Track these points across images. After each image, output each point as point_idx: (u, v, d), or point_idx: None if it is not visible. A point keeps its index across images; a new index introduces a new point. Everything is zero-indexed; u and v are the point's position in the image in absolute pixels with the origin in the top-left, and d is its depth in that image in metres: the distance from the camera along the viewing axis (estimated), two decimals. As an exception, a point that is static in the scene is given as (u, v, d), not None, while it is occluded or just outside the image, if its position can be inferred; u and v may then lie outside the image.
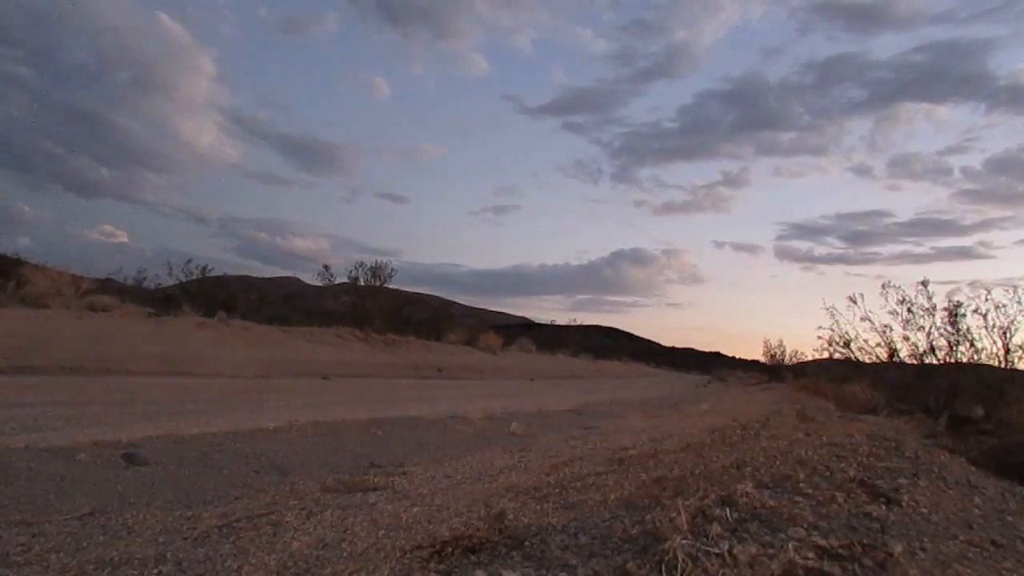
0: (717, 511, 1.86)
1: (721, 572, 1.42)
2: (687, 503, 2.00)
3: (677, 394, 17.91)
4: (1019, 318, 7.69)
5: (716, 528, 1.68)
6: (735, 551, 1.49)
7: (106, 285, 16.40)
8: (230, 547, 2.23)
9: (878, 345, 8.97)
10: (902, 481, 2.46)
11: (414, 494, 3.17)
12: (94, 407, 5.88)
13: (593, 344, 41.91)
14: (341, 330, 18.04)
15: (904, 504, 2.08)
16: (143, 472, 3.70)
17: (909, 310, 8.36)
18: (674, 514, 1.83)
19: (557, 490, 2.81)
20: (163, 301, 16.08)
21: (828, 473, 2.49)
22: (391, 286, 23.12)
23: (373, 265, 22.41)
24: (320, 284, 22.97)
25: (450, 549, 1.75)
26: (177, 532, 2.47)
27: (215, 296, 17.78)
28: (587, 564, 1.58)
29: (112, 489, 3.32)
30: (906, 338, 8.51)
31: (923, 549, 1.70)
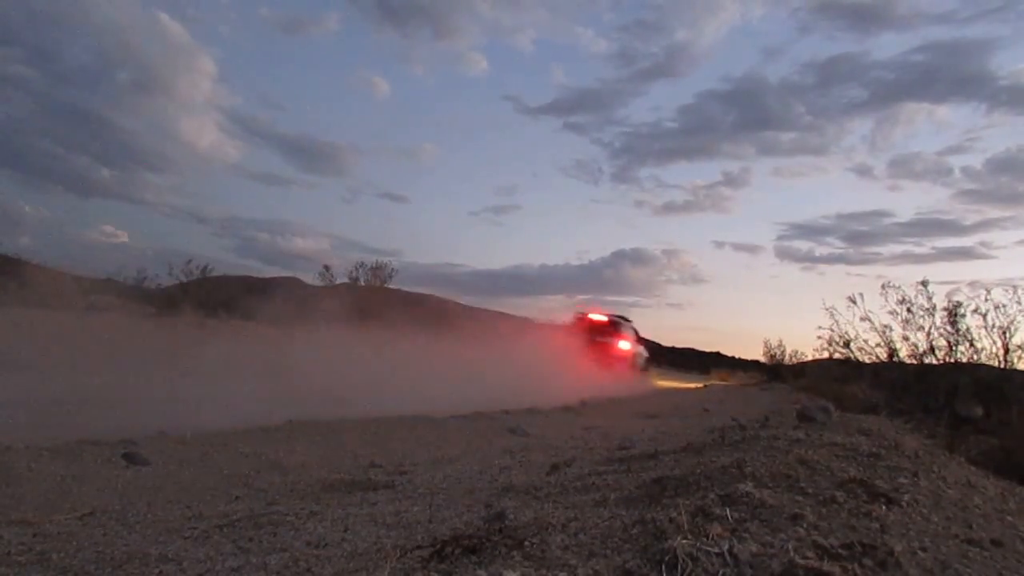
0: (717, 510, 1.86)
1: (722, 571, 1.42)
2: (687, 502, 2.00)
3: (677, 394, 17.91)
4: (1019, 318, 7.69)
5: (716, 527, 1.68)
6: (735, 550, 1.49)
7: (107, 285, 16.43)
8: (231, 547, 2.23)
9: (878, 345, 8.96)
10: (902, 481, 2.47)
11: (414, 493, 3.17)
12: (94, 406, 5.88)
13: (593, 344, 41.86)
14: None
15: (904, 504, 2.09)
16: (144, 472, 3.71)
17: (909, 310, 8.35)
18: (674, 513, 1.83)
19: (557, 490, 2.81)
20: (163, 301, 16.10)
21: (828, 472, 2.49)
22: (391, 286, 23.20)
23: (373, 265, 22.50)
24: (320, 284, 23.05)
25: (450, 549, 1.75)
26: (178, 532, 2.47)
27: (215, 296, 17.80)
28: (587, 564, 1.58)
29: (113, 489, 3.33)
30: (906, 338, 8.50)
31: (923, 548, 1.71)
